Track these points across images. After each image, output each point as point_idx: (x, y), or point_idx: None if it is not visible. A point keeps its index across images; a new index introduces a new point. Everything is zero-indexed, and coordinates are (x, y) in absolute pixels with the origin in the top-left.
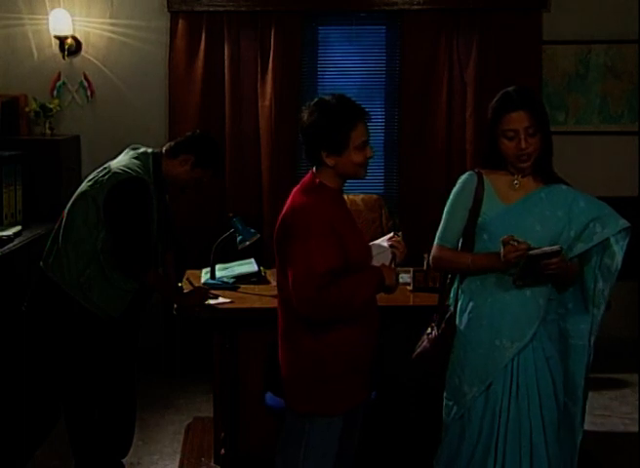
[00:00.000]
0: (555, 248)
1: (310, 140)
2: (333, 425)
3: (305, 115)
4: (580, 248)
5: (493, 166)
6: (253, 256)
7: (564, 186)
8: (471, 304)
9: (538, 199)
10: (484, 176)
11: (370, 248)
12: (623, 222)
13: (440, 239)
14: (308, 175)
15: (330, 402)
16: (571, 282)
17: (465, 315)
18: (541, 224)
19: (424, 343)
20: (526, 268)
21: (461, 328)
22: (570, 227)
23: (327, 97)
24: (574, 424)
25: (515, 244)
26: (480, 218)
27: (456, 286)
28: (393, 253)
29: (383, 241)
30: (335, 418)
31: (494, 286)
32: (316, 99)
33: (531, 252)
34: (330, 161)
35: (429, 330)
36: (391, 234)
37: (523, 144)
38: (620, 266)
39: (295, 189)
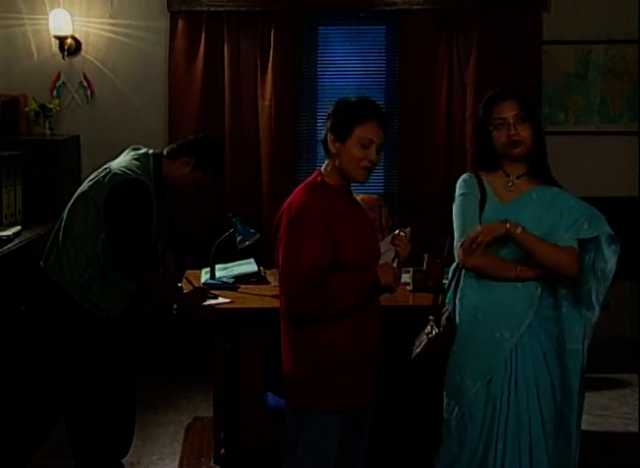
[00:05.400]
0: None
1: (325, 126)
2: (332, 423)
3: (330, 109)
4: (566, 238)
5: (487, 167)
6: (253, 256)
7: (555, 188)
8: (465, 301)
9: (529, 199)
10: (482, 177)
11: (377, 249)
12: (607, 229)
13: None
14: (313, 174)
15: (325, 400)
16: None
17: (460, 312)
18: (534, 223)
19: (424, 343)
20: None
21: (458, 325)
22: (561, 222)
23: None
24: (569, 429)
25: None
26: (481, 216)
27: (453, 285)
28: (396, 251)
29: (389, 238)
30: (331, 416)
31: (485, 280)
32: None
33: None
34: (333, 147)
35: (429, 329)
36: (397, 231)
37: (512, 130)
38: (614, 270)
39: (298, 187)
